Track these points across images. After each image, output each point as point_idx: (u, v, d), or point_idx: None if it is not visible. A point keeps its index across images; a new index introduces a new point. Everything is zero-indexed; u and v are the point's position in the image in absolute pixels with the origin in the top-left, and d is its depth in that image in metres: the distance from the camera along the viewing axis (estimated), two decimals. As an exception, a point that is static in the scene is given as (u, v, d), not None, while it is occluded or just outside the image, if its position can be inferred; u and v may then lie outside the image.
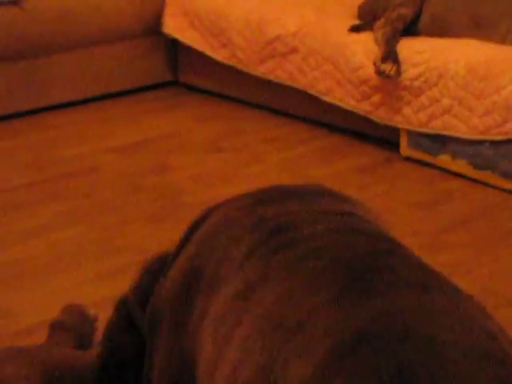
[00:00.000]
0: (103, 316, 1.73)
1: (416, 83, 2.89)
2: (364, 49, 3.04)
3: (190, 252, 1.35)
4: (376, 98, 3.03)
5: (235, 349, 1.05)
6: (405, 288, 1.01)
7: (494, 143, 2.75)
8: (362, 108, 3.06)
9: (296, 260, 1.09)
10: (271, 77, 3.44)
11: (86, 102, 3.76)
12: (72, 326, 2.10)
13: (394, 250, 1.12)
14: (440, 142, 2.90)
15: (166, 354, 1.31)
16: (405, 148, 2.98)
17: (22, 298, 2.34)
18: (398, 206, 2.71)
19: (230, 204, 1.38)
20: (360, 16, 3.31)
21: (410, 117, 2.93)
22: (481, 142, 2.78)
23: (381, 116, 3.01)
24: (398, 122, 2.96)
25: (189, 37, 3.77)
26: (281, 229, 1.18)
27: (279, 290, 1.05)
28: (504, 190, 2.83)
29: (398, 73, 2.86)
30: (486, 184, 2.83)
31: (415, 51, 2.94)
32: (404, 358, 0.86)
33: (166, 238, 1.98)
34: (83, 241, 2.69)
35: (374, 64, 2.91)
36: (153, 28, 3.83)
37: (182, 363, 1.27)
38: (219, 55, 3.62)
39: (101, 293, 2.35)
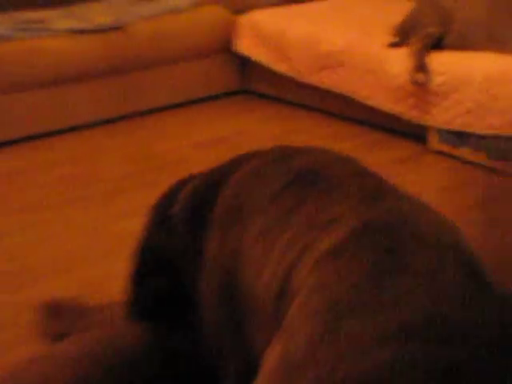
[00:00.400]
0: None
1: (442, 88, 3.09)
2: (400, 61, 3.23)
3: (231, 188, 1.46)
4: (410, 102, 3.25)
5: (280, 247, 1.20)
6: (403, 198, 1.20)
7: (508, 138, 2.91)
8: (398, 110, 3.26)
9: (323, 191, 1.26)
10: (323, 85, 3.69)
11: (172, 107, 4.10)
12: None
13: (394, 186, 1.28)
14: (462, 137, 3.08)
15: (215, 258, 1.41)
16: (433, 142, 3.17)
17: (124, 266, 2.62)
18: (428, 190, 2.85)
19: (259, 157, 1.49)
20: (396, 34, 3.44)
21: (437, 116, 3.13)
22: (496, 137, 2.95)
23: (413, 116, 3.23)
24: (427, 120, 3.18)
25: (256, 54, 4.08)
26: (307, 173, 1.33)
27: (314, 207, 1.22)
28: (516, 177, 2.83)
29: (428, 81, 3.10)
30: (500, 172, 2.96)
31: (441, 63, 3.13)
32: (399, 233, 1.07)
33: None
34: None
35: (409, 74, 3.15)
36: (226, 47, 4.17)
37: (227, 270, 1.37)
38: (281, 68, 3.92)
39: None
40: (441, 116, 3.11)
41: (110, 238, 2.71)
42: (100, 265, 2.53)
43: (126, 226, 2.73)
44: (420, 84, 3.11)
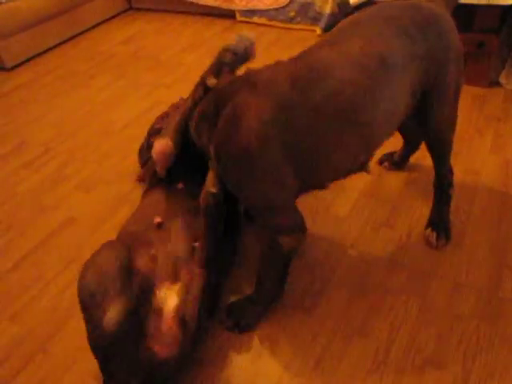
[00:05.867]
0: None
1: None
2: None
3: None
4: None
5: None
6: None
7: (278, 8, 3.71)
8: (218, 4, 4.04)
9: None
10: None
11: (91, 28, 4.41)
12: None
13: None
14: (253, 12, 3.88)
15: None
16: (239, 17, 3.98)
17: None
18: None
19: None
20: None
21: (238, 4, 3.94)
22: (268, 10, 3.77)
23: (227, 6, 4.00)
24: (233, 6, 3.96)
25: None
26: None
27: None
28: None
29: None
30: (264, 24, 3.72)
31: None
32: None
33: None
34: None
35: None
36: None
37: None
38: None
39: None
40: (240, 4, 3.96)
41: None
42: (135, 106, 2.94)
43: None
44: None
